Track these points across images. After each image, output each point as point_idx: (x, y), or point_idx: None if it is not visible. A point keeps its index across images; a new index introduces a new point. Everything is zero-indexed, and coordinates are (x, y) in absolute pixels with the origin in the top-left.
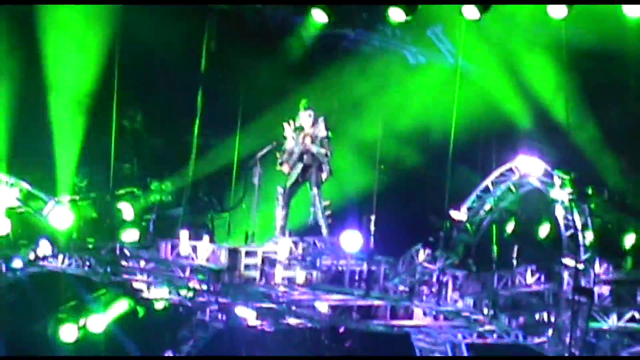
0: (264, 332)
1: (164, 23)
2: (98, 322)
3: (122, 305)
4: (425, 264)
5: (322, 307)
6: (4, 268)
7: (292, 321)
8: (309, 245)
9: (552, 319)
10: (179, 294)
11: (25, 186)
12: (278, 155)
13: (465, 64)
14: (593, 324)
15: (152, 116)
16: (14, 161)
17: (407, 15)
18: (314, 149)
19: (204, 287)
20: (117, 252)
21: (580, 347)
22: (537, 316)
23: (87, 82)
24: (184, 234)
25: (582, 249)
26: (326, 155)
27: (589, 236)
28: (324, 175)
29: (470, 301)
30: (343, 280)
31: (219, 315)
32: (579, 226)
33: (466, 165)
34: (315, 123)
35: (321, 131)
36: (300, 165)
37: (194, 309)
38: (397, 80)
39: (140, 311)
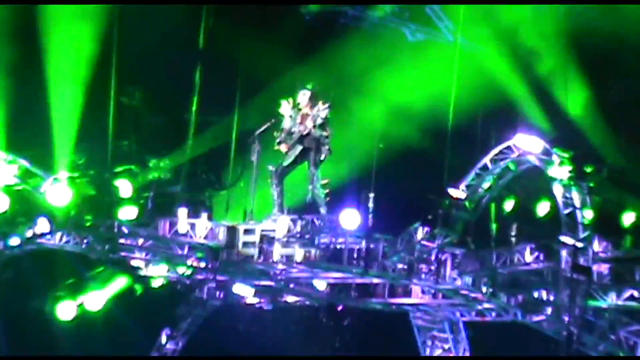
0: (262, 309)
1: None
2: (96, 299)
3: (120, 283)
4: (424, 242)
5: (321, 284)
6: (1, 245)
7: (290, 299)
8: (308, 223)
9: (551, 297)
10: (177, 272)
11: (24, 163)
12: (275, 133)
13: (464, 42)
14: (592, 302)
15: (151, 93)
16: (12, 138)
17: None
18: (316, 132)
19: (202, 264)
20: (115, 229)
21: (579, 326)
22: (535, 294)
23: (85, 59)
24: (182, 211)
25: (580, 227)
26: (327, 137)
27: (588, 214)
28: (322, 155)
29: (468, 279)
30: (342, 258)
31: (217, 293)
32: (577, 204)
33: (465, 143)
34: (314, 104)
35: (321, 112)
36: (299, 148)
37: (192, 287)
38: (395, 58)
39: (138, 289)
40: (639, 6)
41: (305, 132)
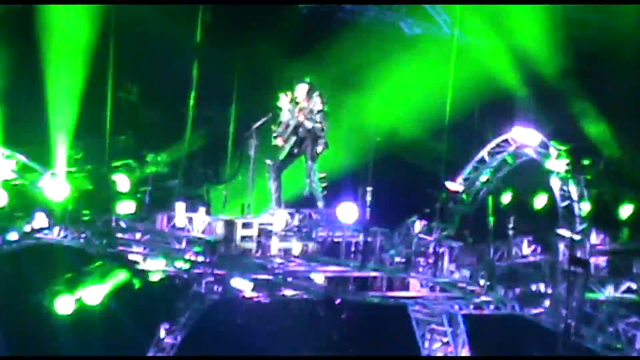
0: (259, 303)
1: None
2: (94, 294)
3: (118, 277)
4: (422, 236)
5: (318, 278)
6: None
7: (288, 292)
8: (305, 217)
9: (549, 290)
10: (175, 266)
11: (21, 158)
12: (273, 127)
13: (461, 35)
14: (589, 295)
15: (148, 88)
16: (9, 133)
17: None
18: (309, 124)
19: (200, 258)
20: (113, 224)
21: (577, 318)
22: (533, 287)
23: (83, 54)
24: (180, 205)
25: (578, 219)
26: (322, 129)
27: (585, 207)
28: (319, 148)
29: (466, 272)
30: (339, 252)
31: (215, 287)
32: (575, 197)
33: (462, 136)
34: (311, 97)
35: (317, 105)
36: (293, 139)
37: (190, 281)
38: (393, 52)
39: (136, 283)
40: (635, 5)
41: (299, 123)
